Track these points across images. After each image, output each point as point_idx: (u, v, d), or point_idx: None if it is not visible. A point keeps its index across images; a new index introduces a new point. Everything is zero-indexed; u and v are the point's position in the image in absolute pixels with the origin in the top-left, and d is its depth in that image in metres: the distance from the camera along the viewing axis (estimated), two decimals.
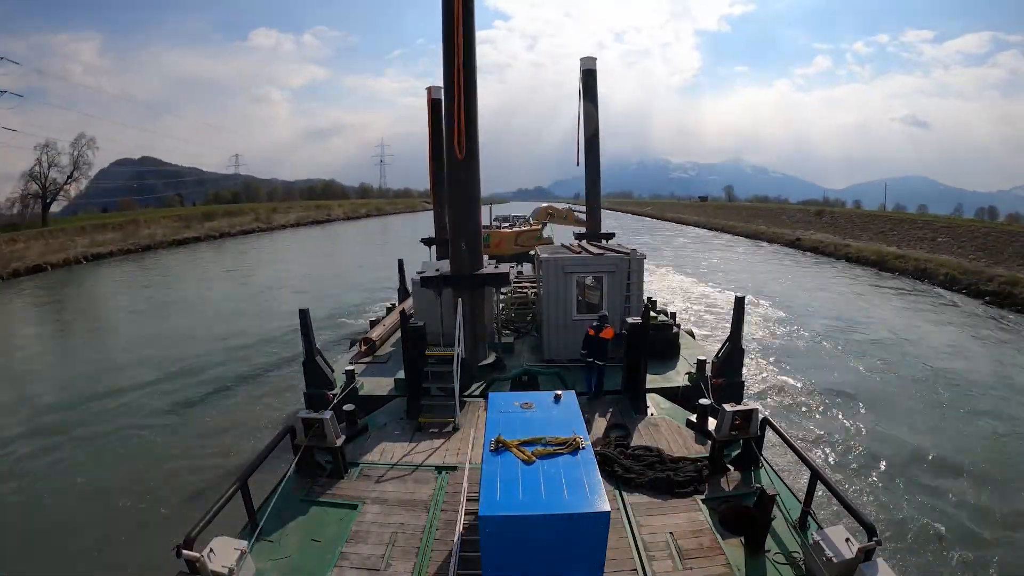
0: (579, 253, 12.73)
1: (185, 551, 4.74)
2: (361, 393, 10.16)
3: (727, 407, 7.12)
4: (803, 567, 5.43)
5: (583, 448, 5.14)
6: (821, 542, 5.22)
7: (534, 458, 4.97)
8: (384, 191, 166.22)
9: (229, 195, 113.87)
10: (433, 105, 19.35)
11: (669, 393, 10.13)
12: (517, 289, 16.62)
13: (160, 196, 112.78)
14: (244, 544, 5.31)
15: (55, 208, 64.17)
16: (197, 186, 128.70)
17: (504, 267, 11.76)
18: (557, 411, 5.94)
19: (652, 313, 14.19)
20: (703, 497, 6.67)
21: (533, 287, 16.55)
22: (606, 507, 4.31)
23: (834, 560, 4.99)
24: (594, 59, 18.97)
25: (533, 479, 4.71)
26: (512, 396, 6.61)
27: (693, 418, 8.68)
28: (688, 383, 10.40)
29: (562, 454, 5.05)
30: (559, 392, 6.37)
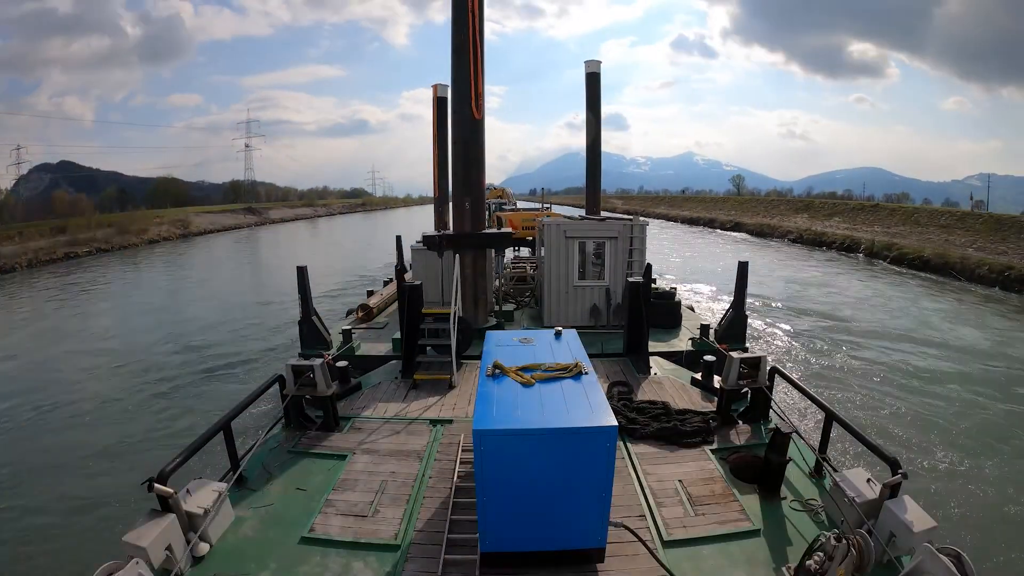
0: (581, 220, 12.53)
1: (158, 484, 4.33)
2: (357, 353, 9.87)
3: (734, 355, 6.81)
4: (822, 513, 5.09)
5: (586, 373, 4.78)
6: (840, 483, 4.89)
7: (534, 381, 4.61)
8: (252, 189, 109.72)
9: None
10: (438, 103, 18.50)
11: (672, 357, 9.83)
12: (516, 265, 16.42)
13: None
14: (223, 487, 4.93)
15: None
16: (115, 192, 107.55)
17: (506, 230, 11.61)
18: (558, 345, 5.57)
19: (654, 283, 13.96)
20: (712, 448, 6.34)
21: (532, 262, 16.38)
22: (613, 422, 3.94)
23: (856, 501, 4.66)
24: (598, 62, 17.96)
25: (533, 399, 4.33)
26: (511, 333, 6.26)
27: (698, 376, 8.37)
28: (692, 347, 10.10)
29: (564, 378, 4.69)
30: (559, 328, 6.02)
